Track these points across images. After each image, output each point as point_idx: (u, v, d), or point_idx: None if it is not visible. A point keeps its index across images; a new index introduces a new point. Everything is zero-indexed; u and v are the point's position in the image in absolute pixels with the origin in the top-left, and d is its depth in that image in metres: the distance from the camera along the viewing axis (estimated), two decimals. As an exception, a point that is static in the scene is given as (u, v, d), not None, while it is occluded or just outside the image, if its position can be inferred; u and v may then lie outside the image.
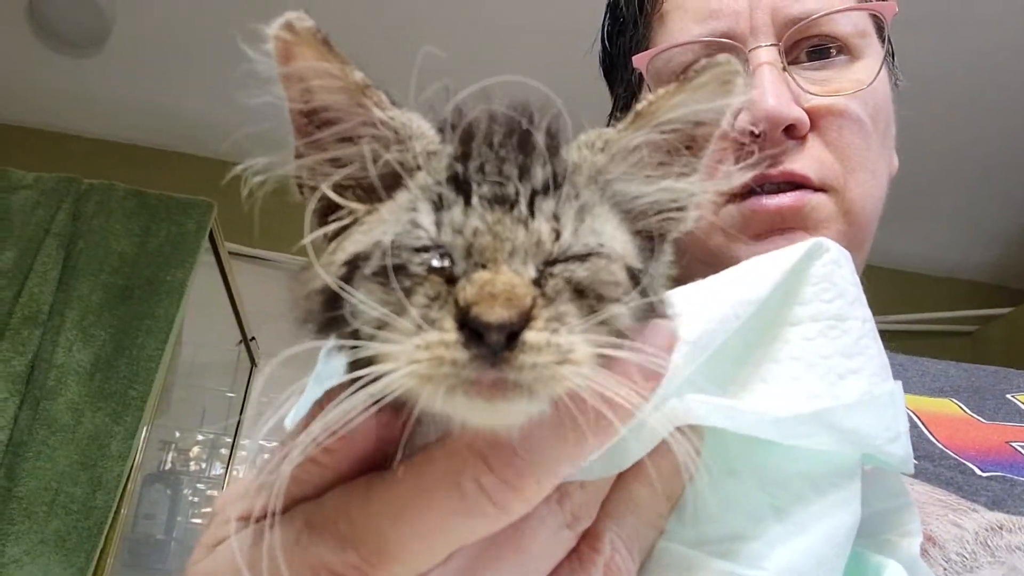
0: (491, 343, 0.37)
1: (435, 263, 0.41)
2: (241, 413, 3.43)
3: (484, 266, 0.40)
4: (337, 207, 0.46)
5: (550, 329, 0.38)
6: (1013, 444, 0.82)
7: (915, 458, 0.76)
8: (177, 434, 3.23)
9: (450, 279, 0.40)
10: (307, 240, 0.44)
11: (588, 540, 0.47)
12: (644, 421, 0.46)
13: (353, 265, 0.42)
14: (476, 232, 0.40)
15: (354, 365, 0.42)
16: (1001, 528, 0.65)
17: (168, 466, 3.15)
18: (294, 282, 0.46)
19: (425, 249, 0.41)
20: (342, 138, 0.45)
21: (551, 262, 0.41)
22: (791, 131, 1.01)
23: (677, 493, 0.51)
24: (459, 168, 0.43)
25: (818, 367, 0.56)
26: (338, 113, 0.45)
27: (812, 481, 0.53)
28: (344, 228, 0.46)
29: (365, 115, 0.44)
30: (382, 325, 0.40)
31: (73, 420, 2.41)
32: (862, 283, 0.60)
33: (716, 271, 1.06)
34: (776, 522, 0.51)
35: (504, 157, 0.43)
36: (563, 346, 0.38)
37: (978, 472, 0.74)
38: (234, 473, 3.37)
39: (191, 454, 3.28)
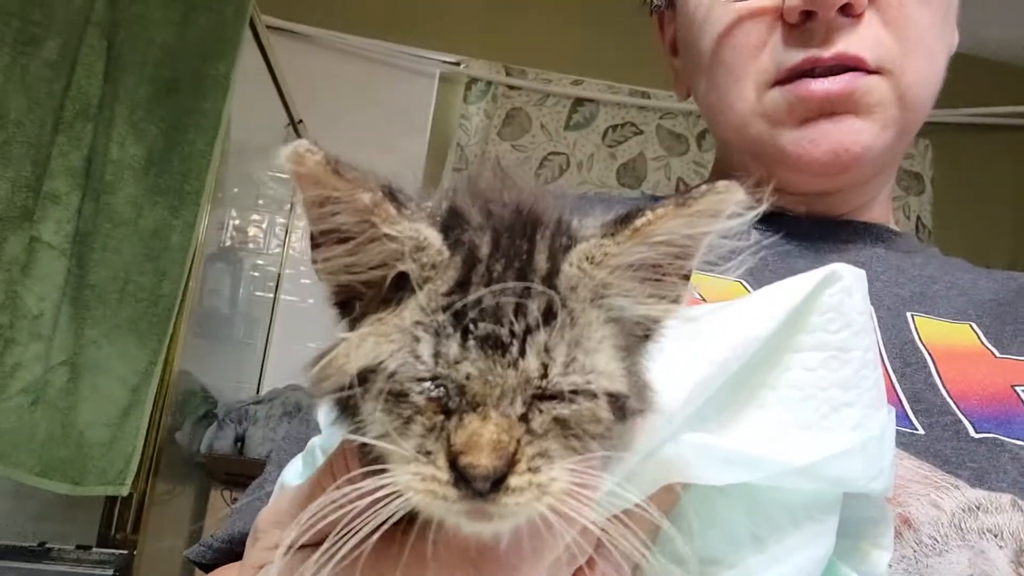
0: (477, 488, 0.43)
1: (433, 394, 0.45)
2: (294, 193, 3.51)
3: (475, 408, 0.44)
4: (355, 295, 0.50)
5: (533, 468, 0.44)
6: (1017, 388, 0.83)
7: (915, 412, 0.80)
8: (234, 212, 3.35)
9: (446, 410, 0.45)
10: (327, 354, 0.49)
11: (583, 565, 0.53)
12: (638, 472, 0.51)
13: (362, 378, 0.46)
14: (469, 376, 0.44)
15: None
16: (978, 508, 0.70)
17: (228, 244, 3.30)
18: (310, 370, 0.50)
19: (424, 379, 0.45)
20: (356, 249, 0.48)
21: (540, 396, 0.45)
22: (847, 9, 0.94)
23: (668, 515, 0.56)
24: (457, 302, 0.45)
25: (814, 399, 0.58)
26: (348, 232, 0.47)
27: (791, 513, 0.56)
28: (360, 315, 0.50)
29: (374, 231, 0.47)
30: (385, 435, 0.46)
31: (134, 214, 2.52)
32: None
33: (759, 160, 1.03)
34: (753, 553, 0.56)
35: (502, 292, 0.45)
36: (543, 484, 0.44)
37: (971, 433, 0.77)
38: (290, 252, 3.53)
39: (249, 233, 3.43)
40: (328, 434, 0.67)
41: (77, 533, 2.77)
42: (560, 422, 0.45)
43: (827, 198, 1.06)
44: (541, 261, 0.47)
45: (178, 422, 2.89)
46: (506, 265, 0.46)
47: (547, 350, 0.45)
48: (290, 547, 0.51)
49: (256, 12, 2.77)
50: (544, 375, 0.45)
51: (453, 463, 0.43)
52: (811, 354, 0.59)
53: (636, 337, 0.50)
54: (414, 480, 0.44)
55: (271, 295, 3.58)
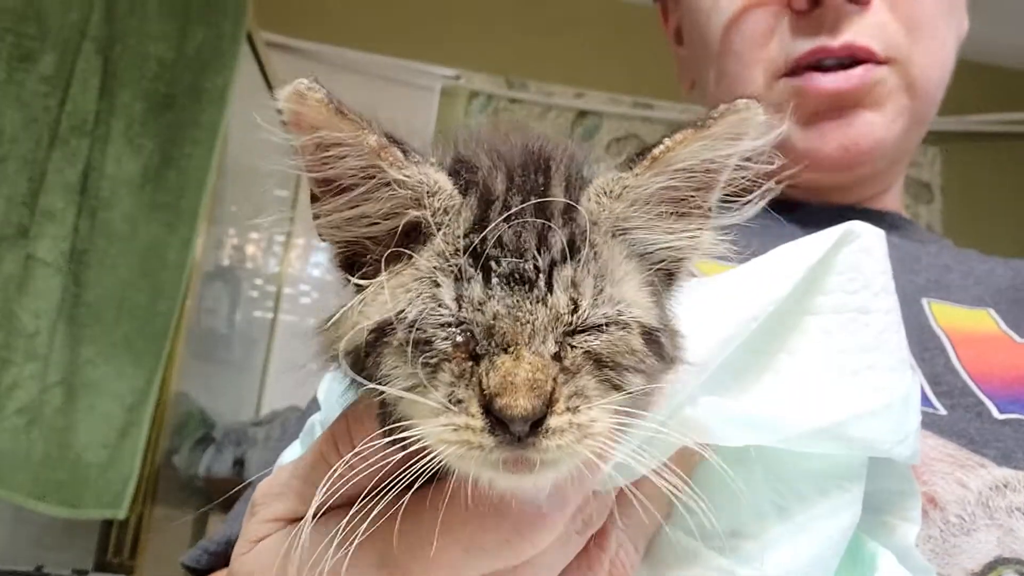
0: (516, 432, 0.40)
1: (459, 339, 0.42)
2: (292, 210, 3.49)
3: (506, 348, 0.42)
4: (361, 252, 0.47)
5: (572, 408, 0.41)
6: None
7: (936, 394, 0.76)
8: (232, 230, 3.32)
9: (474, 355, 0.42)
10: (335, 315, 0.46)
11: (595, 538, 0.50)
12: (657, 435, 0.48)
13: (380, 332, 0.44)
14: (496, 315, 0.42)
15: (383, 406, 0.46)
16: (1005, 487, 0.65)
17: (226, 263, 3.27)
18: (320, 334, 0.48)
19: (448, 325, 0.43)
20: (362, 198, 0.46)
21: (571, 332, 0.43)
22: None
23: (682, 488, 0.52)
24: (477, 240, 0.43)
25: (833, 362, 0.55)
26: (354, 179, 0.45)
27: (816, 481, 0.54)
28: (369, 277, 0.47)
29: (382, 177, 0.44)
30: (410, 389, 0.43)
31: (130, 231, 2.49)
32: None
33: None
34: (777, 522, 0.52)
35: (522, 227, 0.43)
36: (583, 424, 0.41)
37: (995, 414, 0.74)
38: (289, 270, 3.50)
39: (247, 252, 3.40)
40: (327, 409, 0.64)
41: (74, 557, 2.72)
42: (593, 357, 0.43)
43: (840, 189, 1.04)
44: (559, 193, 0.45)
45: (176, 445, 2.84)
46: (524, 199, 0.44)
47: (575, 284, 0.43)
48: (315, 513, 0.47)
49: (254, 27, 2.76)
50: (575, 310, 0.43)
51: (487, 409, 0.41)
52: (830, 317, 0.56)
53: (660, 278, 0.48)
54: (446, 432, 0.41)
55: (270, 315, 3.54)
